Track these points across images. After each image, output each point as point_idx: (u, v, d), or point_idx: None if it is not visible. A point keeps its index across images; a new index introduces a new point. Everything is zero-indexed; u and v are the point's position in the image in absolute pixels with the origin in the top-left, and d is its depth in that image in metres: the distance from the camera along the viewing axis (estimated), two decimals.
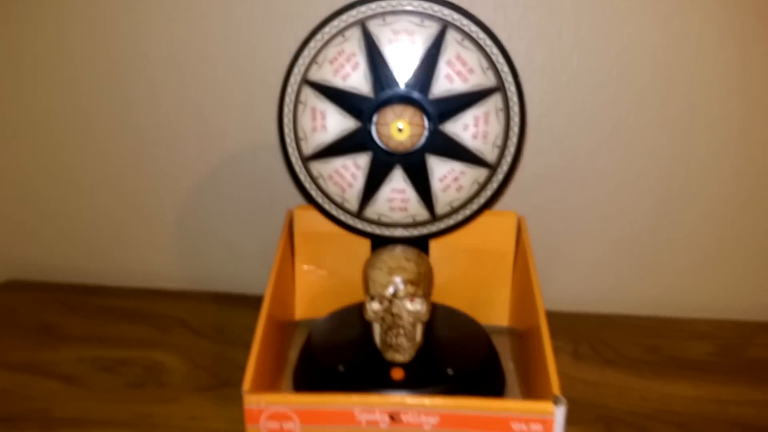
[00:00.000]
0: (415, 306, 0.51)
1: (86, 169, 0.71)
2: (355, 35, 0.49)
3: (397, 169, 0.52)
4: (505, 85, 0.50)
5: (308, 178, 0.53)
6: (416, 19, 0.49)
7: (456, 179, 0.52)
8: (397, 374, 0.49)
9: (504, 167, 0.52)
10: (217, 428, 0.52)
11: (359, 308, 0.59)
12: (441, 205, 0.53)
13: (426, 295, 0.51)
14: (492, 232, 0.61)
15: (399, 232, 0.54)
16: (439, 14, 0.49)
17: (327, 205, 0.54)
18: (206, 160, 0.70)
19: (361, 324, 0.56)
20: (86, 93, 0.69)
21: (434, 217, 0.53)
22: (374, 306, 0.51)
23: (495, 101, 0.50)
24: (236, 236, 0.73)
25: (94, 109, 0.69)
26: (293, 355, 0.59)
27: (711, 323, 0.68)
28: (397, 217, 0.54)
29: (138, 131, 0.69)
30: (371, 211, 0.54)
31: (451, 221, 0.54)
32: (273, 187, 0.70)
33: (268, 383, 0.52)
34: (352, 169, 0.52)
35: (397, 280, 0.50)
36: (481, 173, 0.52)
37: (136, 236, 0.74)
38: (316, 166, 0.53)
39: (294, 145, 0.52)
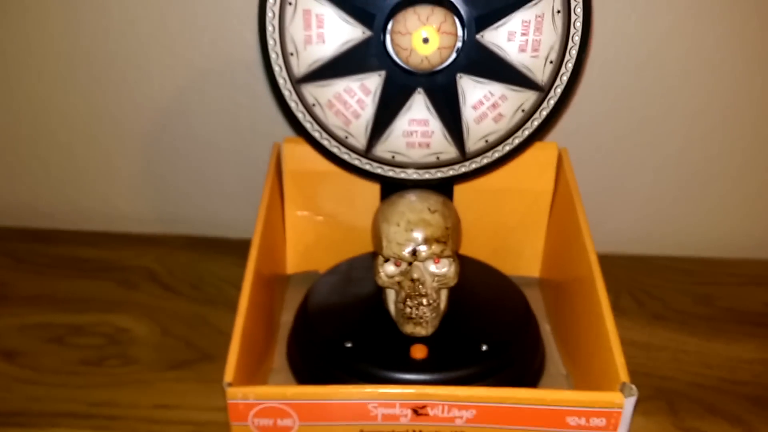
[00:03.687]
0: (441, 269, 0.40)
1: (32, 92, 0.58)
2: None
3: (419, 94, 0.40)
4: None
5: (301, 107, 0.41)
6: None
7: (495, 106, 0.40)
8: (419, 352, 0.40)
9: (558, 90, 0.40)
10: (196, 420, 0.42)
11: (365, 263, 0.48)
12: (473, 140, 0.41)
13: (454, 255, 0.41)
14: (526, 167, 0.49)
15: (418, 175, 0.43)
16: None
17: (326, 141, 0.42)
18: (171, 79, 0.57)
19: (370, 285, 0.45)
20: (24, 4, 0.54)
21: (464, 156, 0.42)
22: (389, 269, 0.40)
23: (552, 0, 0.38)
24: (213, 171, 0.61)
25: (35, 20, 0.55)
26: (286, 317, 0.49)
27: (766, 265, 0.59)
28: (417, 155, 0.42)
29: (89, 46, 0.56)
30: (383, 149, 0.42)
31: (485, 160, 0.42)
32: (255, 113, 0.58)
33: (257, 357, 0.42)
34: (359, 94, 0.40)
35: (419, 237, 0.39)
36: (527, 98, 0.40)
37: (94, 170, 0.62)
38: (312, 91, 0.40)
39: (281, 62, 0.40)
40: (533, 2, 0.38)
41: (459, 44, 0.38)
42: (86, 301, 0.52)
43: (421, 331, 0.40)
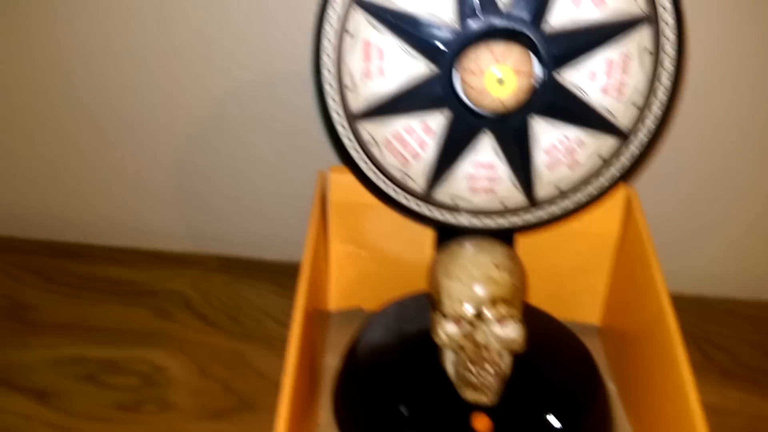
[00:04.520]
0: (508, 332, 0.36)
1: (65, 101, 0.56)
2: None
3: (485, 135, 0.36)
4: (658, 14, 0.33)
5: (355, 144, 0.37)
6: None
7: (570, 152, 0.36)
8: (482, 424, 0.36)
9: (641, 136, 0.36)
10: None
11: (418, 307, 0.45)
12: (543, 187, 0.38)
13: (522, 316, 0.37)
14: (591, 208, 0.45)
15: (479, 221, 0.39)
16: None
17: (381, 182, 0.39)
18: (208, 91, 0.54)
19: (425, 335, 0.42)
20: (57, 11, 0.51)
21: (532, 203, 0.38)
22: (449, 329, 0.37)
23: (641, 38, 0.33)
24: (248, 188, 0.59)
25: (70, 33, 0.52)
26: (329, 361, 0.46)
27: None
28: (480, 201, 0.38)
29: (122, 55, 0.53)
30: (443, 192, 0.38)
31: (555, 209, 0.38)
32: (295, 128, 0.55)
33: (303, 410, 0.39)
34: (420, 134, 0.37)
35: (484, 296, 0.36)
36: (607, 143, 0.36)
37: (126, 183, 0.60)
38: (368, 128, 0.37)
39: (337, 96, 0.36)
40: (620, 40, 0.33)
41: (536, 84, 0.34)
42: (120, 332, 0.50)
43: (483, 398, 0.37)
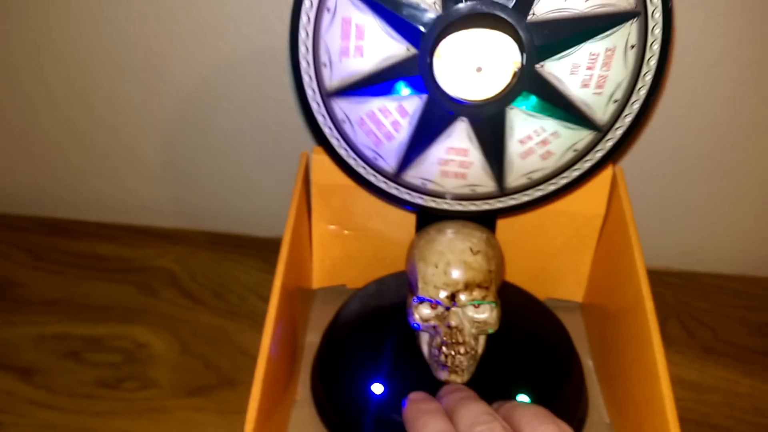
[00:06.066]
0: (482, 314, 0.37)
1: (54, 77, 0.55)
2: None
3: (461, 121, 0.36)
4: (647, 9, 0.32)
5: (329, 121, 0.37)
6: None
7: (544, 142, 0.36)
8: None
9: (618, 132, 0.35)
10: None
11: (398, 286, 0.45)
12: (515, 176, 0.37)
13: (497, 299, 0.37)
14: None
15: (448, 205, 0.39)
16: None
17: (352, 161, 0.38)
18: (195, 68, 0.54)
19: (402, 315, 0.42)
20: None
21: (502, 191, 0.38)
22: (424, 312, 0.37)
23: (627, 33, 0.33)
24: (236, 164, 0.58)
25: (55, 6, 0.51)
26: (311, 338, 0.47)
27: None
28: (450, 185, 0.38)
29: (110, 31, 0.52)
30: (414, 175, 0.38)
31: (524, 198, 0.38)
32: (283, 105, 0.54)
33: (281, 385, 0.39)
34: (395, 116, 0.36)
35: (459, 281, 0.36)
36: (582, 137, 0.36)
37: (115, 159, 0.59)
38: (342, 106, 0.36)
39: (312, 72, 0.35)
40: (606, 34, 0.33)
41: (515, 73, 0.34)
42: (105, 309, 0.50)
43: (457, 378, 0.37)
